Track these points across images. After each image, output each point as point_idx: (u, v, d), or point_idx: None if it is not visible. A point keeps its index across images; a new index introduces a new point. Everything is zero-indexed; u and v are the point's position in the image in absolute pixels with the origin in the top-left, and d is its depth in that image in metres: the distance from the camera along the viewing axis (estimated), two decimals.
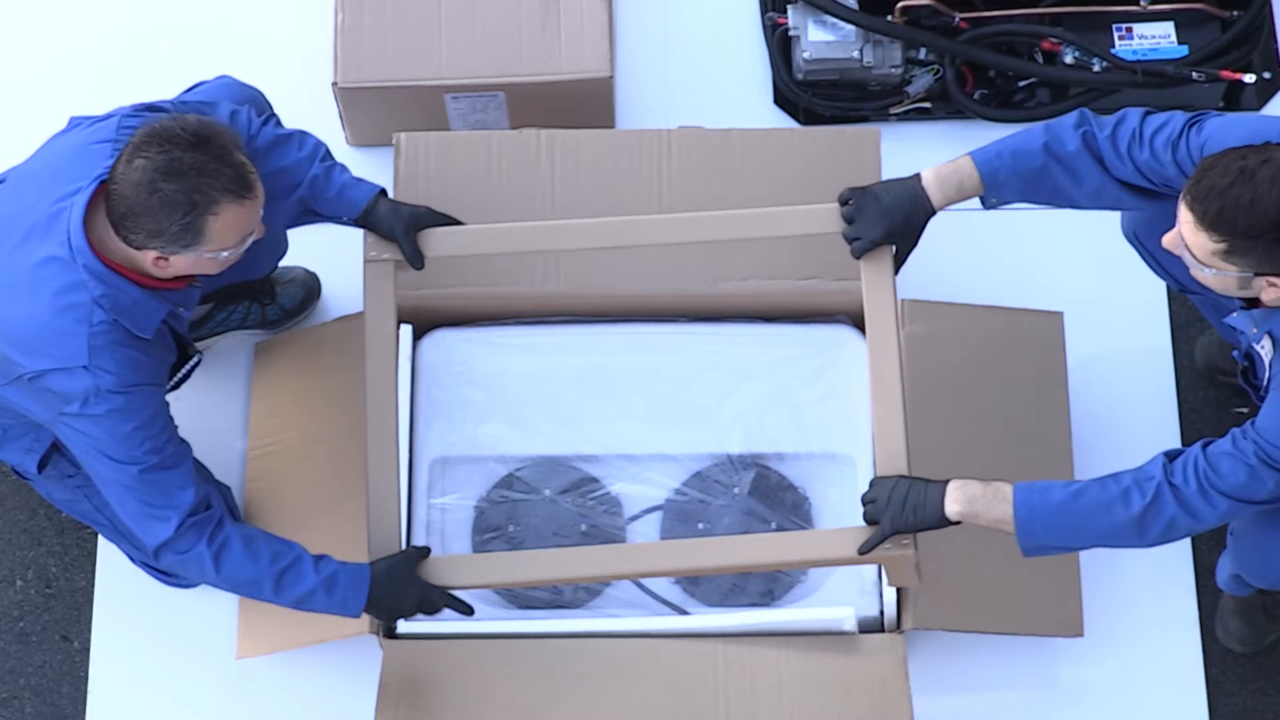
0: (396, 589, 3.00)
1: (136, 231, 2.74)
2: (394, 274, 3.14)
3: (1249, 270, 2.66)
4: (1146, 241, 3.15)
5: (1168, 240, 2.74)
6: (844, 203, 3.03)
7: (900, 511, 2.89)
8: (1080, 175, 2.89)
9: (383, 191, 3.13)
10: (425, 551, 3.03)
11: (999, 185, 2.93)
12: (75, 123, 2.97)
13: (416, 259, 3.13)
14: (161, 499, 2.90)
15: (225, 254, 2.81)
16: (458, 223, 3.17)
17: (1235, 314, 2.82)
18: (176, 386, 3.02)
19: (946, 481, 2.87)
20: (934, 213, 2.99)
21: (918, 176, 2.99)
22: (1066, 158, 2.89)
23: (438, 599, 3.02)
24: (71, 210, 2.78)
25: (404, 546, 3.11)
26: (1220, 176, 2.61)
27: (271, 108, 3.24)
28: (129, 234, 2.75)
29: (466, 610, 3.07)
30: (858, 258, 3.02)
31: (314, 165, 3.09)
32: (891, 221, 2.99)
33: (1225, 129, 2.78)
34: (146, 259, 2.78)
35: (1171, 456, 2.80)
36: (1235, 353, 2.94)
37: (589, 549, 3.17)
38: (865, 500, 2.95)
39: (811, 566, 3.18)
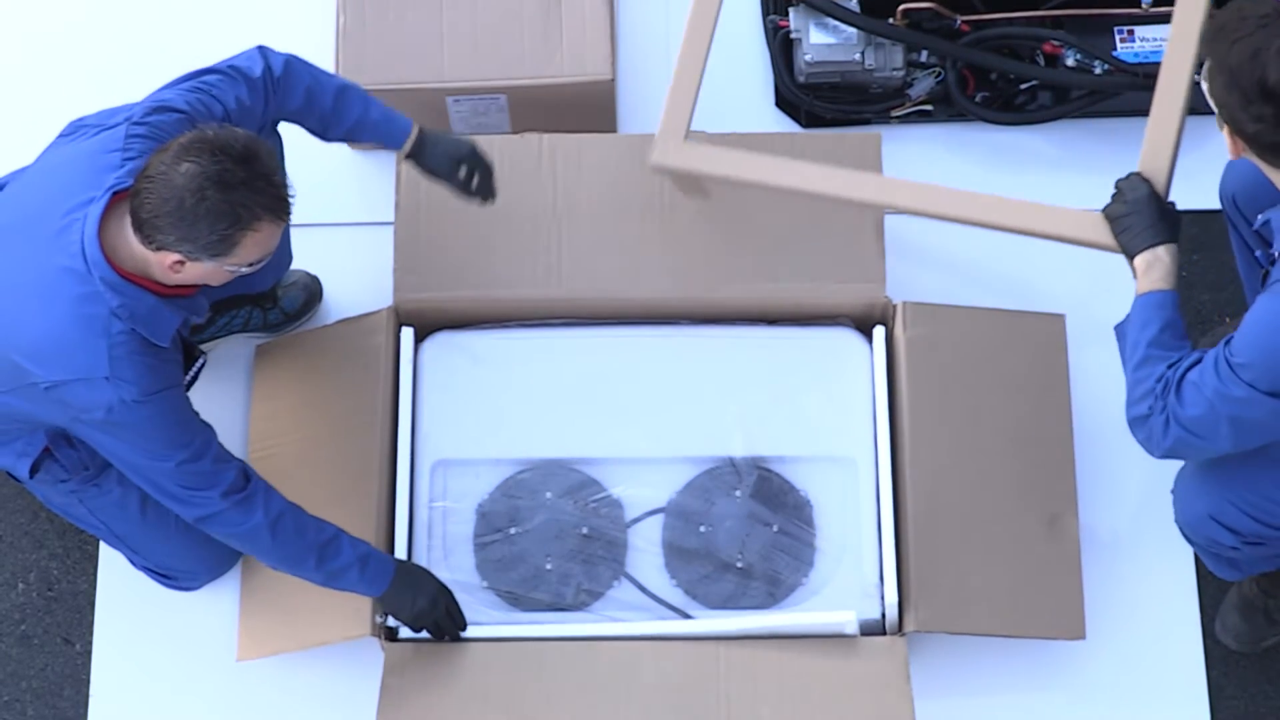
0: (417, 582, 3.14)
1: (168, 233, 2.72)
2: None
3: (1216, 108, 2.67)
4: (1245, 208, 3.12)
5: None
6: None
7: (1122, 219, 2.92)
8: None
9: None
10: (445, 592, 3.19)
11: None
12: (78, 127, 2.96)
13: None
14: (199, 483, 2.93)
15: (243, 269, 2.82)
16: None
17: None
18: (185, 388, 3.02)
19: (1162, 242, 2.89)
20: None
21: None
22: None
23: (447, 604, 3.16)
24: (85, 222, 2.76)
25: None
26: (1252, 7, 2.63)
27: None
28: (157, 234, 2.73)
29: (461, 625, 3.21)
30: None
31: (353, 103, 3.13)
32: None
33: None
34: (163, 261, 2.77)
35: (1193, 364, 2.79)
36: (1259, 253, 2.94)
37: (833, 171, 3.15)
38: (1117, 184, 2.98)
39: (1058, 239, 3.09)
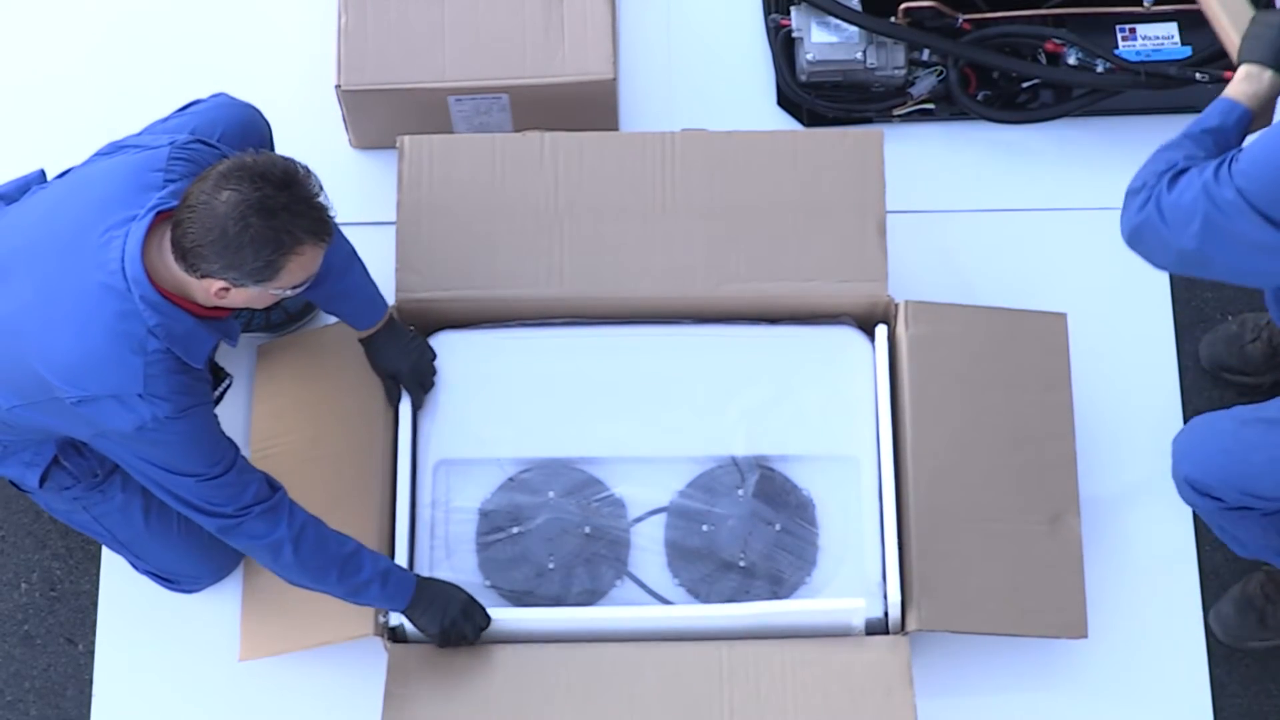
0: (445, 594, 3.14)
1: (212, 262, 2.71)
2: None
3: None
4: None
5: None
6: None
7: (1263, 26, 2.83)
8: None
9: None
10: (479, 612, 3.17)
11: None
12: (118, 147, 2.94)
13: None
14: (223, 497, 2.93)
15: (287, 293, 2.82)
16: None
17: None
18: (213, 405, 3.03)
19: (1277, 69, 2.80)
20: None
21: None
22: None
23: (478, 616, 3.15)
24: (126, 239, 2.75)
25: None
26: None
27: (268, 125, 3.23)
28: (202, 262, 2.71)
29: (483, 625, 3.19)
30: None
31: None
32: None
33: None
34: (208, 288, 2.76)
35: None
36: None
37: None
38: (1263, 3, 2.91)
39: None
